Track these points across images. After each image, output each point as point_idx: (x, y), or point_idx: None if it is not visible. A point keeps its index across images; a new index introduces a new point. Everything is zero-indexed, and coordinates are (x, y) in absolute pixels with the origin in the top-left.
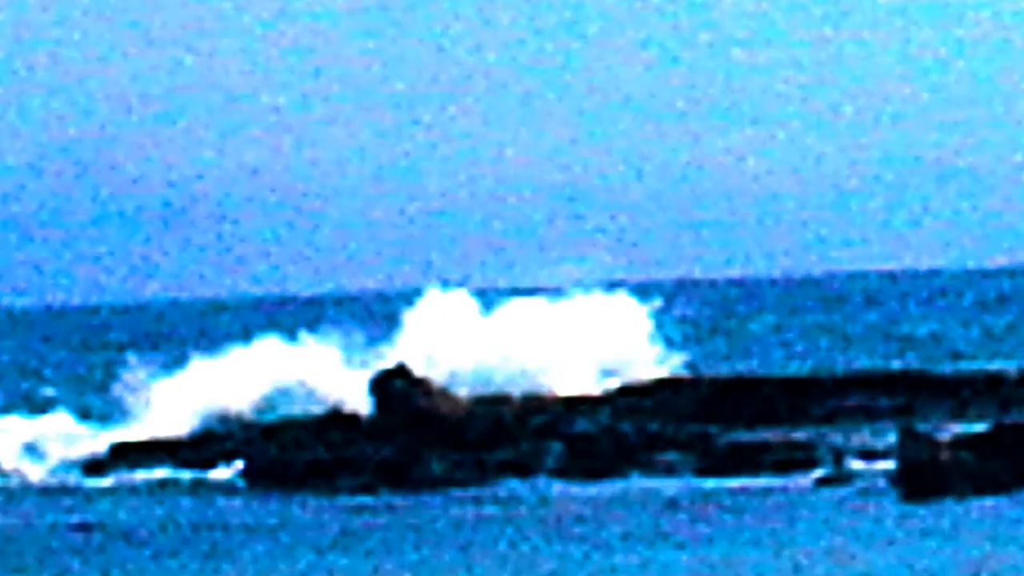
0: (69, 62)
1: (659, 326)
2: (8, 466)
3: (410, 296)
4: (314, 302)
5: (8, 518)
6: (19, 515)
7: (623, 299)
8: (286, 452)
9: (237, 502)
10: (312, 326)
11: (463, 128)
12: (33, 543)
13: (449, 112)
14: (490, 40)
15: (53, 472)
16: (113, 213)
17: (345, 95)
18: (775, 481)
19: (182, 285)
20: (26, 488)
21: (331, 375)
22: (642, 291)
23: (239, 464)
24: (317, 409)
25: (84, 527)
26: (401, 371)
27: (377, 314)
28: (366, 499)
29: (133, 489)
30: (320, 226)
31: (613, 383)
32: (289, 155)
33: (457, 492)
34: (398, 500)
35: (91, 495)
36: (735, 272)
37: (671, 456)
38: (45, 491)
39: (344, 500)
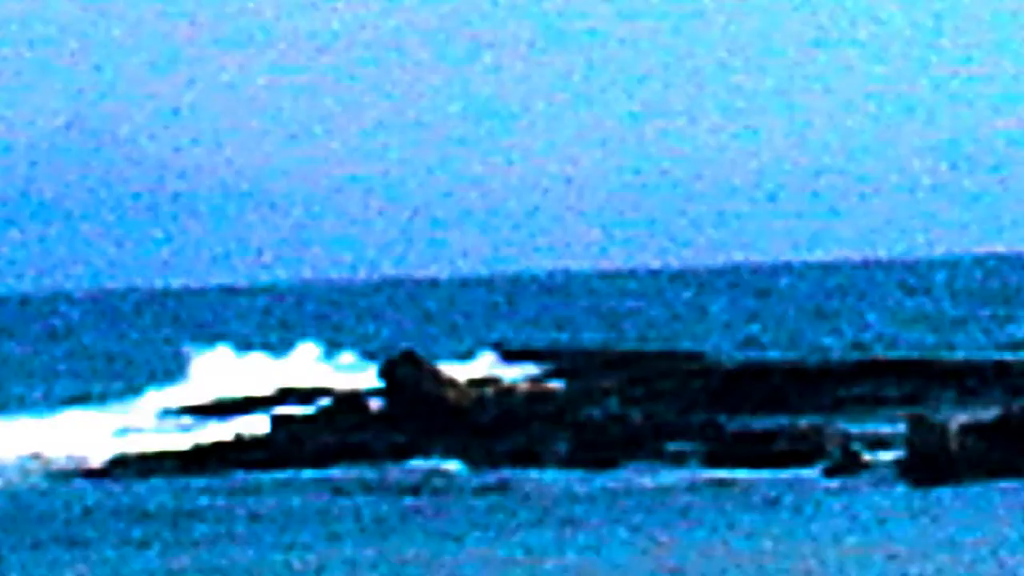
0: (92, 50)
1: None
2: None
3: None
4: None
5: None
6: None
7: None
8: (300, 439)
9: (242, 486)
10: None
11: (465, 124)
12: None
13: (448, 107)
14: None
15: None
16: (107, 203)
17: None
18: (784, 470)
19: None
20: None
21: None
22: (650, 278)
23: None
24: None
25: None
26: (410, 358)
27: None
28: (372, 482)
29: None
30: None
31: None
32: (304, 149)
33: (465, 479)
34: (404, 485)
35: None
36: (744, 260)
37: (679, 444)
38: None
39: (350, 483)
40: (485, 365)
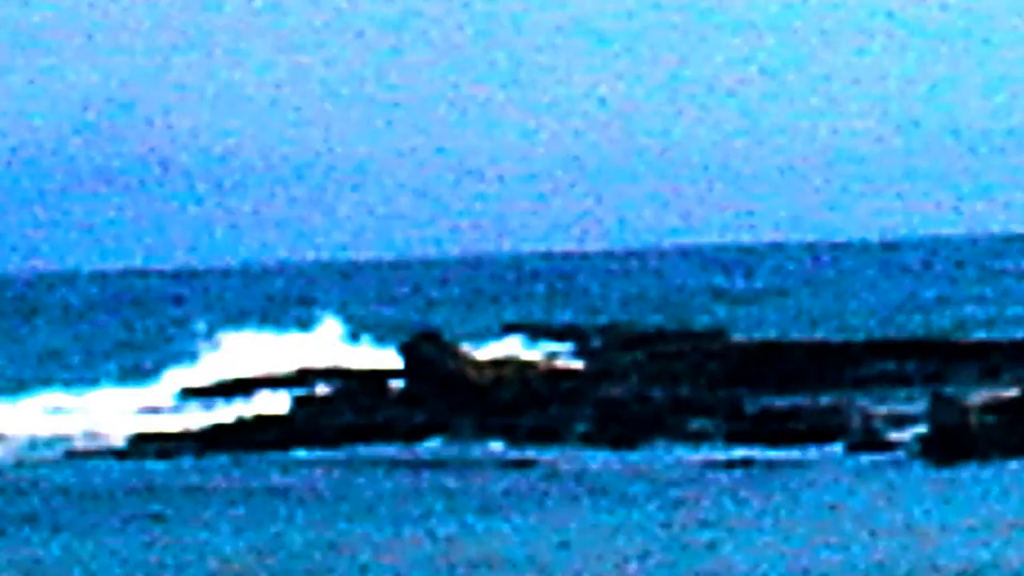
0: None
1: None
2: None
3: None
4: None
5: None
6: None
7: None
8: (320, 418)
9: (265, 464)
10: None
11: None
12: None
13: (454, 87)
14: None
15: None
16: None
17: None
18: (805, 448)
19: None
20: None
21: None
22: (671, 257)
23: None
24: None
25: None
26: (430, 337)
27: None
28: (392, 461)
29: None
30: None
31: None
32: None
33: (486, 457)
34: (424, 464)
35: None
36: (767, 237)
37: (701, 423)
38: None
39: (370, 463)
40: (508, 344)
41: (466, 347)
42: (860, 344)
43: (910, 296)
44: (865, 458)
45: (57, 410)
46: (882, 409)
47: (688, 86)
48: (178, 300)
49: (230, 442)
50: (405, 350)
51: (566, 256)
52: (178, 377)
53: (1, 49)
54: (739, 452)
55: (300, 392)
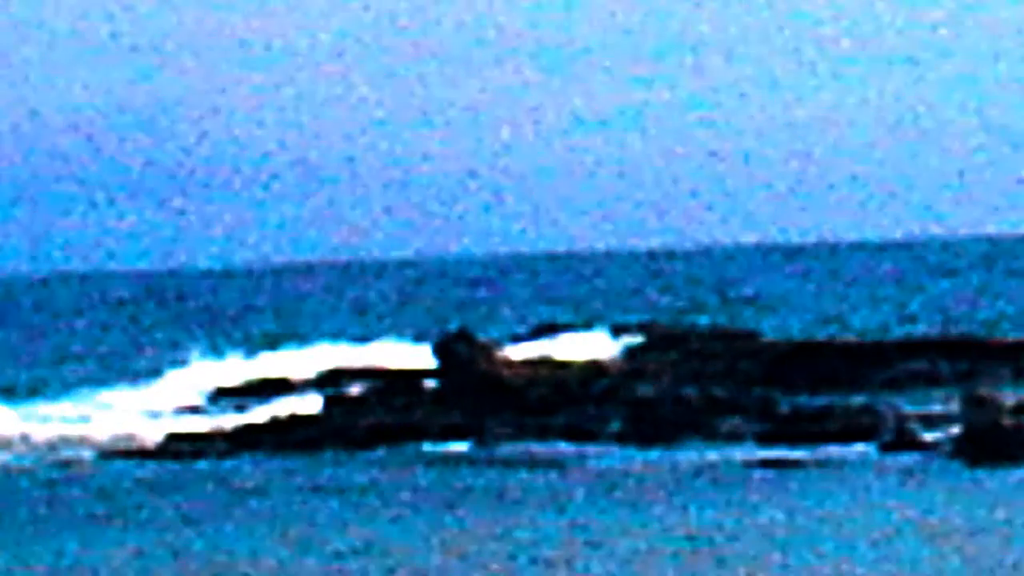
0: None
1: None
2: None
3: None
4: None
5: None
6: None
7: None
8: (353, 418)
9: (298, 464)
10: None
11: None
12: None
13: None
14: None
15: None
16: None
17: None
18: (838, 447)
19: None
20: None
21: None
22: (703, 257)
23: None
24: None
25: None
26: (465, 336)
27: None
28: (426, 461)
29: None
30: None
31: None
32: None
33: (519, 456)
34: (458, 462)
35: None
36: (800, 238)
37: (734, 422)
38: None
39: (403, 462)
40: (542, 344)
41: (500, 347)
42: (893, 344)
43: (943, 295)
44: (898, 458)
45: (88, 410)
46: (915, 409)
47: (716, 87)
48: (207, 300)
49: (263, 442)
50: (439, 350)
51: (599, 255)
52: (211, 377)
53: (10, 53)
54: (772, 452)
55: (333, 392)
